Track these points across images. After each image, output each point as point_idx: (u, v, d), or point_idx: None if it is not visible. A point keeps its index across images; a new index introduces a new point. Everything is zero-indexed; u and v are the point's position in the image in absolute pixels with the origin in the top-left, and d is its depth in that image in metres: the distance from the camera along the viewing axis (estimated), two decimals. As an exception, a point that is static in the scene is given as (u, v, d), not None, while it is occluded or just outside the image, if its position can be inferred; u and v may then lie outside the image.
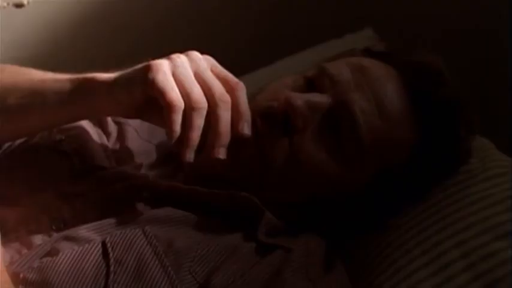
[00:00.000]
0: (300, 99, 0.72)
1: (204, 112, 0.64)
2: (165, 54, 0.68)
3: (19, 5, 1.23)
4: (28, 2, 1.23)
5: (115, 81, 0.69)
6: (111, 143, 0.82)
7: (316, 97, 0.74)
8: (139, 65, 0.67)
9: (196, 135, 0.63)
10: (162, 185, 0.73)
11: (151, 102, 0.66)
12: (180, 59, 0.66)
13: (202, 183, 0.73)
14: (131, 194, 0.72)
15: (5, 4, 1.21)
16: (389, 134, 0.74)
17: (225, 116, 0.65)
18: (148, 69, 0.65)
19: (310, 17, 1.46)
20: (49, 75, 0.75)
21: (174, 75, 0.64)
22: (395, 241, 0.78)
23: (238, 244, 0.68)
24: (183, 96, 0.63)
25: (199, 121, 0.63)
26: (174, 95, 0.63)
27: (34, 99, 0.73)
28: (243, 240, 0.69)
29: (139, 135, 0.83)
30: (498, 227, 0.75)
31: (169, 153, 0.83)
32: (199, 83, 0.65)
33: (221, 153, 0.64)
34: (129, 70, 0.69)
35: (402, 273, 0.74)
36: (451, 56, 0.86)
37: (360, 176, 0.74)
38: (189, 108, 0.63)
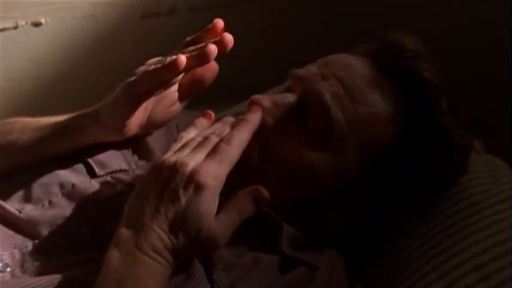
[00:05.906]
0: (267, 99, 0.73)
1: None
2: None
3: (37, 24, 1.25)
4: (46, 21, 1.25)
5: (99, 108, 0.76)
6: (130, 150, 0.83)
7: (283, 96, 0.75)
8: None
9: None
10: None
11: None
12: None
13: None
14: None
15: (23, 23, 1.23)
16: (363, 114, 0.73)
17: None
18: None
19: (320, 35, 1.46)
20: (53, 119, 0.83)
21: None
22: (411, 265, 0.77)
23: (261, 256, 0.68)
24: None
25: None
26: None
27: (41, 140, 0.81)
28: (265, 252, 0.69)
29: (158, 141, 0.84)
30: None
31: None
32: None
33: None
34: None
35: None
36: (457, 68, 0.85)
37: (346, 160, 0.73)
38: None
